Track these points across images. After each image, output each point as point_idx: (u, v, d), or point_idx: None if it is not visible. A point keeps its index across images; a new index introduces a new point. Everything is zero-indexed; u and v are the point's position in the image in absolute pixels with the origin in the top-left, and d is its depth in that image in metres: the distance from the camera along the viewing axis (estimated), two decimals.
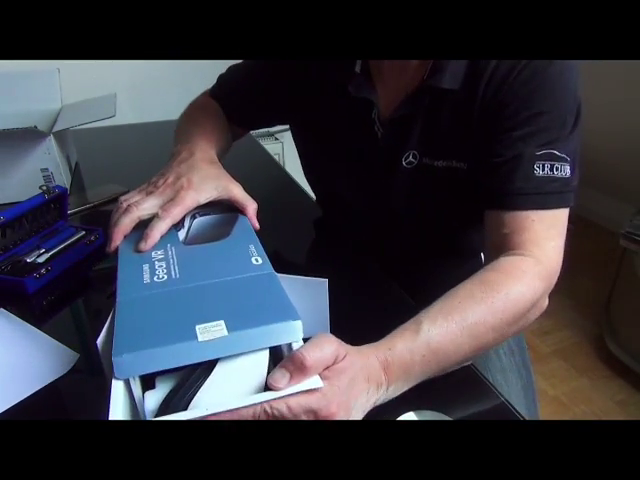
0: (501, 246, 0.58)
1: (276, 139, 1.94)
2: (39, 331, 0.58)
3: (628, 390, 1.51)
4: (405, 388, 0.46)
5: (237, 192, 0.59)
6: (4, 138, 0.86)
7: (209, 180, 0.59)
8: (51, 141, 0.90)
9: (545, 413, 1.44)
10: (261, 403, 0.36)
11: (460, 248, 0.63)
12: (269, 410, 0.37)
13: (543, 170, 0.56)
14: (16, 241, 0.71)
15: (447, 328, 0.47)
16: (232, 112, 0.81)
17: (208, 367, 0.39)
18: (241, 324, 0.40)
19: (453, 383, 0.53)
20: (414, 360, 0.45)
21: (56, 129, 0.91)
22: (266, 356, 0.40)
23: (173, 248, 0.52)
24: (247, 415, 0.37)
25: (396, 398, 0.48)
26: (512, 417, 0.48)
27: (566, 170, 0.57)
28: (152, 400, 0.37)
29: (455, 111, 0.62)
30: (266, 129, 1.92)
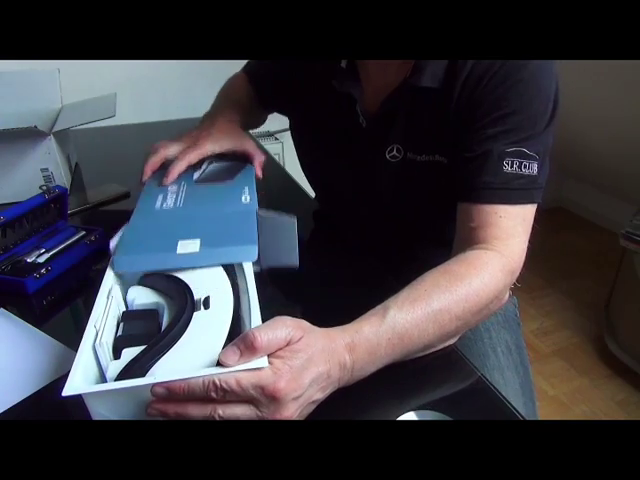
0: (468, 240, 0.60)
1: (276, 139, 1.94)
2: (39, 331, 0.58)
3: (628, 390, 1.51)
4: (372, 369, 0.48)
5: (249, 145, 0.73)
6: (4, 138, 0.86)
7: (226, 134, 0.72)
8: (51, 141, 0.90)
9: (545, 413, 1.44)
10: (208, 376, 0.39)
11: (447, 238, 0.67)
12: (217, 382, 0.39)
13: (512, 167, 0.58)
14: (16, 241, 0.71)
15: (413, 314, 0.49)
16: (256, 90, 0.87)
17: (170, 340, 0.43)
18: (211, 243, 0.53)
19: (453, 383, 0.53)
20: (380, 343, 0.47)
21: (56, 129, 0.91)
22: (225, 332, 0.45)
23: (185, 185, 0.66)
24: (196, 386, 0.39)
25: (396, 398, 0.49)
26: (512, 417, 0.48)
27: (534, 168, 0.59)
28: (114, 367, 0.42)
29: (434, 108, 0.64)
30: (266, 129, 1.92)
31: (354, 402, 0.47)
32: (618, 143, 2.09)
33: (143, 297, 0.51)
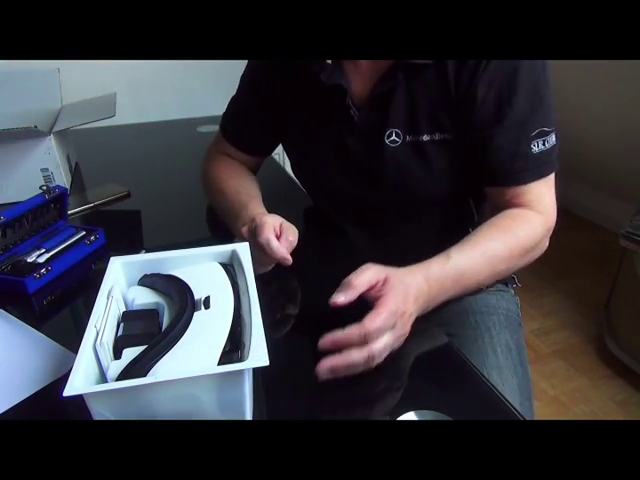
0: (506, 208, 0.68)
1: None
2: (38, 332, 0.58)
3: (628, 390, 1.51)
4: (440, 299, 0.58)
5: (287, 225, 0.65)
6: (4, 138, 0.86)
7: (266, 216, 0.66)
8: (51, 141, 0.90)
9: (545, 413, 1.44)
10: (209, 375, 0.41)
11: (450, 224, 0.72)
12: (369, 326, 0.48)
13: (538, 147, 0.65)
14: (16, 241, 0.71)
15: (471, 256, 0.60)
16: (244, 145, 0.85)
17: (171, 340, 0.44)
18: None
19: (453, 383, 0.53)
20: (447, 277, 0.58)
21: (56, 129, 0.91)
22: (226, 331, 0.45)
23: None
24: (354, 335, 0.48)
25: (396, 398, 0.49)
26: (512, 417, 0.48)
27: (553, 139, 0.66)
28: (115, 368, 0.42)
29: (430, 85, 0.66)
30: None
31: (354, 402, 0.47)
32: (618, 143, 2.09)
33: (143, 297, 0.51)
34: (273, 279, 0.67)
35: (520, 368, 0.73)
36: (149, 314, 0.50)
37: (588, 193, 2.36)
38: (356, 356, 0.49)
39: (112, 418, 0.40)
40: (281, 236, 0.63)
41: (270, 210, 0.69)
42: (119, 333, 0.47)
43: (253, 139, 0.85)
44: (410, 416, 0.44)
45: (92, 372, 0.42)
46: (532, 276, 1.99)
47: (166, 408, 0.41)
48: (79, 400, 0.39)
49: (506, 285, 0.86)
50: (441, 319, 0.77)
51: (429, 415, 0.45)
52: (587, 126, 2.08)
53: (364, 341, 0.49)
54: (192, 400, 0.41)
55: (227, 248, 0.56)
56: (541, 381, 1.55)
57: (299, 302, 0.65)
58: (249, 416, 0.44)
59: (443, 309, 0.78)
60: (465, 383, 0.53)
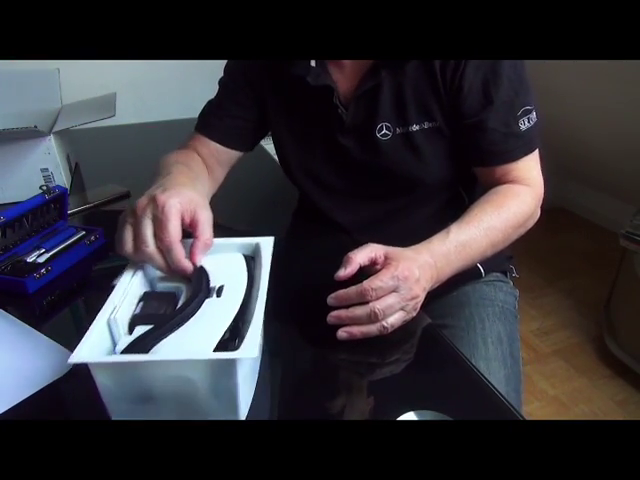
0: (496, 185, 0.71)
1: None
2: (38, 333, 0.58)
3: (628, 390, 1.51)
4: (448, 271, 0.61)
5: (205, 216, 0.55)
6: (4, 138, 0.86)
7: (184, 189, 0.56)
8: (51, 141, 0.90)
9: (545, 413, 1.43)
10: (200, 360, 0.42)
11: (442, 208, 0.73)
12: (367, 286, 0.52)
13: (525, 125, 0.68)
14: (16, 241, 0.71)
15: (469, 230, 0.63)
16: (223, 138, 0.80)
17: (178, 322, 0.46)
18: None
19: (453, 383, 0.53)
20: (449, 249, 0.61)
21: (56, 129, 0.91)
22: (229, 321, 0.47)
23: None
24: (353, 293, 0.52)
25: (396, 398, 0.49)
26: (512, 416, 0.48)
27: (534, 116, 0.69)
28: (124, 342, 0.45)
29: (416, 76, 0.67)
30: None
31: (354, 402, 0.47)
32: (618, 143, 2.09)
33: (166, 280, 0.54)
34: (282, 278, 0.66)
35: (510, 360, 0.73)
36: (167, 296, 0.52)
37: (588, 193, 2.36)
38: (359, 311, 0.52)
39: (114, 388, 0.43)
40: (196, 232, 0.53)
41: (268, 211, 0.69)
42: (136, 311, 0.50)
43: (234, 131, 0.80)
44: (410, 416, 0.44)
45: (104, 344, 0.45)
46: (532, 276, 1.99)
47: (162, 386, 0.43)
48: (79, 400, 0.39)
49: (505, 275, 0.87)
50: (437, 311, 0.78)
51: (429, 415, 0.45)
52: (587, 126, 2.08)
53: (363, 297, 0.52)
54: (186, 382, 0.43)
55: (252, 241, 0.58)
56: (541, 381, 1.55)
57: (301, 302, 0.65)
58: (243, 405, 0.45)
59: (439, 302, 0.79)
60: (465, 383, 0.53)
